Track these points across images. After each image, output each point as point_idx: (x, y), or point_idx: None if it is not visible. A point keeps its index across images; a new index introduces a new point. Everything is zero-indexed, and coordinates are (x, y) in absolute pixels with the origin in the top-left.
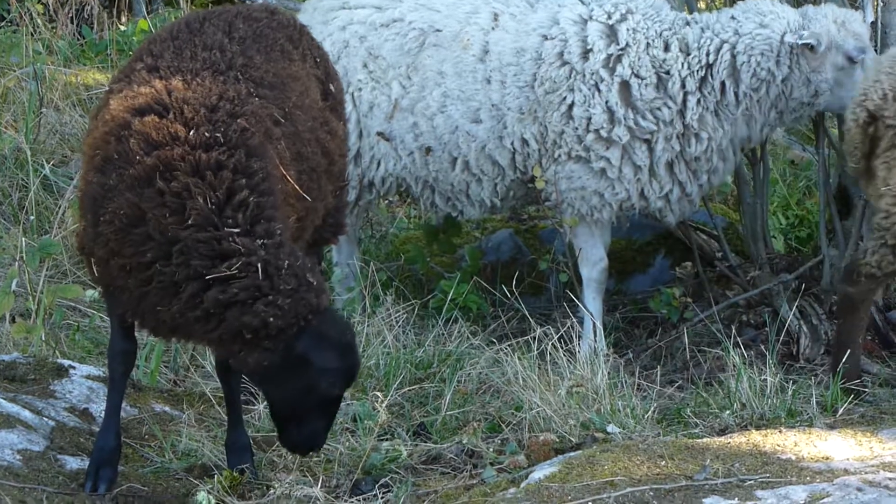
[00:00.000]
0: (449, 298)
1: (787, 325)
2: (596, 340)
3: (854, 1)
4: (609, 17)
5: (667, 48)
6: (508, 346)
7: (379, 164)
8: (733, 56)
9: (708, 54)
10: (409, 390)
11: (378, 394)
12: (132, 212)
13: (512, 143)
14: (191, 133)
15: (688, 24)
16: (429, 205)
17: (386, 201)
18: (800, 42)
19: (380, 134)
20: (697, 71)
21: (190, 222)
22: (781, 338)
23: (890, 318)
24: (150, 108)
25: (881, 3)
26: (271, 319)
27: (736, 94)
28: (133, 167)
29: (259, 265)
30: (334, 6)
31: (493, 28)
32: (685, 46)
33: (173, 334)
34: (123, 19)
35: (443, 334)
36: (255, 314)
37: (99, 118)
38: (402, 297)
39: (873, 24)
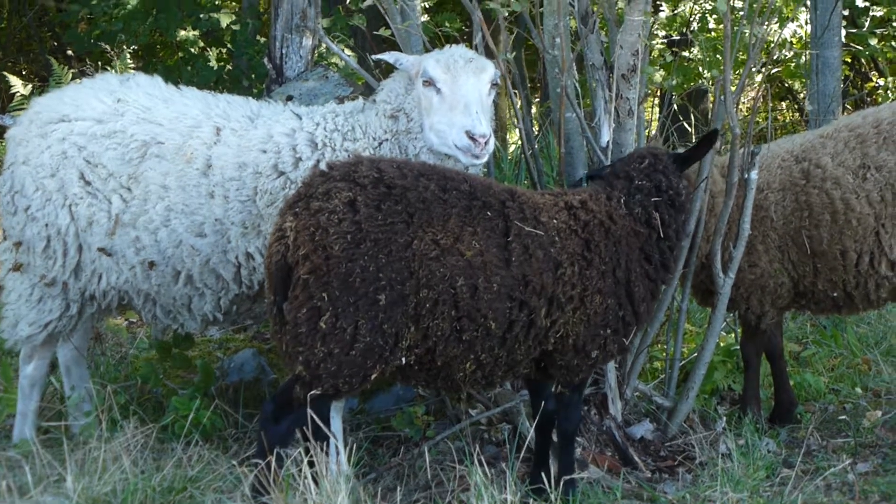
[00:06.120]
0: (189, 419)
1: (527, 442)
2: (338, 461)
3: (591, 121)
4: (316, 127)
5: (355, 140)
6: (249, 468)
7: (101, 277)
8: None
9: (375, 139)
10: None
11: None
12: None
13: (236, 258)
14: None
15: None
16: (150, 317)
17: (125, 321)
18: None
19: (101, 249)
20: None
21: None
22: (522, 455)
23: (630, 434)
24: None
25: (615, 124)
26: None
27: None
28: None
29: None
30: (53, 119)
31: (215, 143)
32: (362, 134)
33: None
34: None
35: (182, 458)
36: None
37: None
38: (141, 420)
39: (608, 143)
